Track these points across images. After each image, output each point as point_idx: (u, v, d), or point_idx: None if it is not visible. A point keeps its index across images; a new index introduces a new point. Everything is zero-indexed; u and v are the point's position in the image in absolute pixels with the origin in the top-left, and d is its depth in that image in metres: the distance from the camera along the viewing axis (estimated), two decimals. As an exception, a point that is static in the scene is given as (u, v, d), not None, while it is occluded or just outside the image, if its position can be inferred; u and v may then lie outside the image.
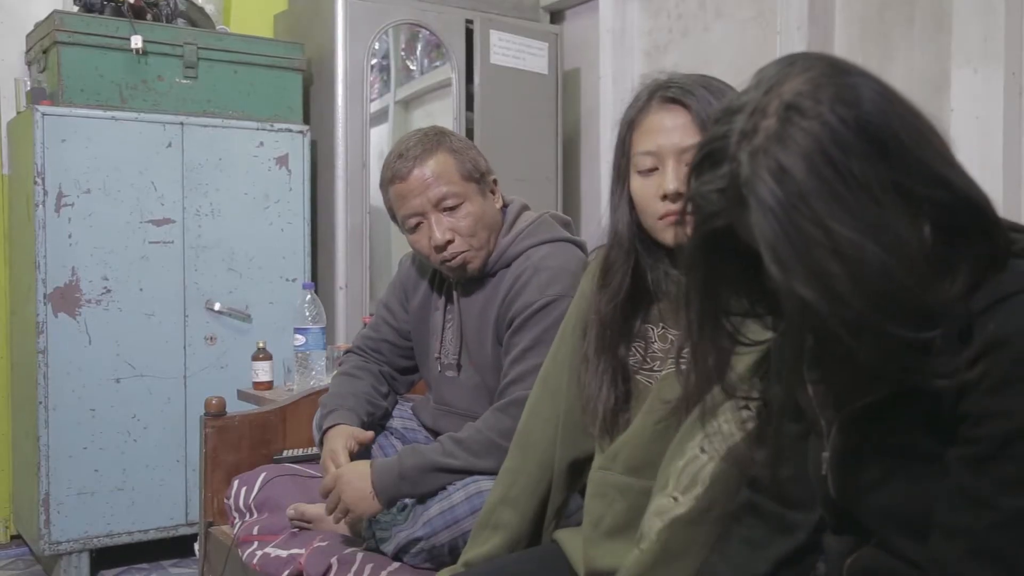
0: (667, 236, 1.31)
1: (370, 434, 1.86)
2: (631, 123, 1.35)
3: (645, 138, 1.33)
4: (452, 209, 1.77)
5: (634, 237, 1.36)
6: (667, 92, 1.32)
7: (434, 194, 1.76)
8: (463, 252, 1.78)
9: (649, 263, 1.37)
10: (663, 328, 1.38)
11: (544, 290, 1.72)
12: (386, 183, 1.83)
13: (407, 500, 1.71)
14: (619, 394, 1.39)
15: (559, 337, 1.53)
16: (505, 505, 1.51)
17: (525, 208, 1.90)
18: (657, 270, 1.37)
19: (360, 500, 1.71)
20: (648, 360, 1.39)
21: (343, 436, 1.80)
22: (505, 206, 1.89)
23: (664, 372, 1.35)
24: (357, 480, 1.71)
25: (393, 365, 2.04)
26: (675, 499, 1.18)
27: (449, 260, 1.79)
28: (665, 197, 1.29)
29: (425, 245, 1.80)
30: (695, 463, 1.17)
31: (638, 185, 1.33)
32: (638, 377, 1.40)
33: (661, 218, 1.30)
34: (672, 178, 1.29)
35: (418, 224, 1.79)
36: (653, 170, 1.31)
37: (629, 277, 1.37)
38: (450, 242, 1.77)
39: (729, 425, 1.15)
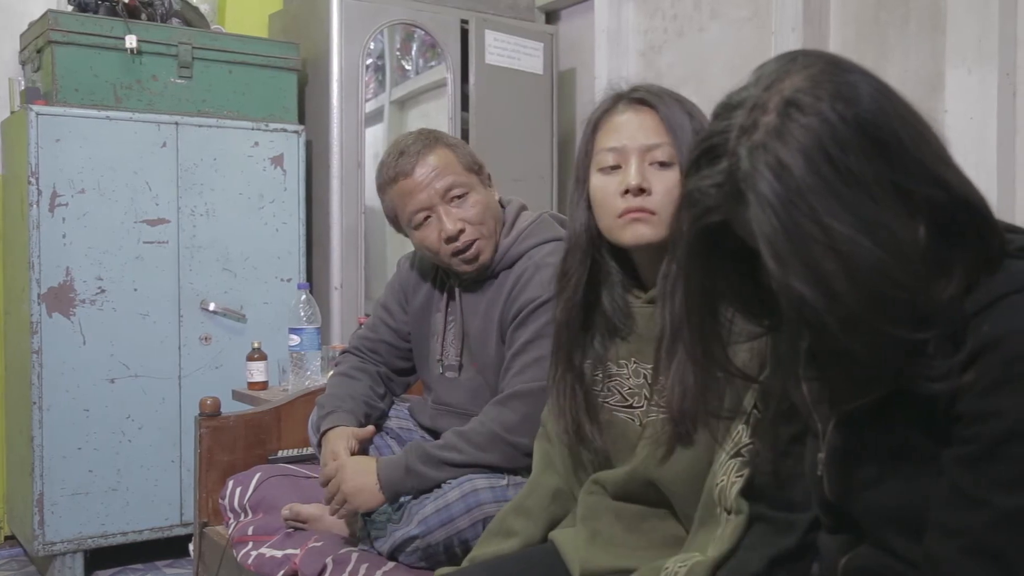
0: (625, 235, 1.31)
1: (371, 429, 1.87)
2: (596, 123, 1.37)
3: (609, 136, 1.34)
4: (460, 198, 1.78)
5: (591, 241, 1.37)
6: (634, 95, 1.36)
7: (441, 185, 1.77)
8: (475, 240, 1.78)
9: (603, 275, 1.38)
10: (635, 363, 1.39)
11: (547, 286, 1.72)
12: (387, 183, 1.83)
13: (403, 498, 1.71)
14: (579, 399, 1.41)
15: None
16: (518, 514, 1.52)
17: (524, 208, 1.91)
18: (611, 286, 1.38)
19: (360, 491, 1.70)
20: (627, 397, 1.40)
21: (344, 437, 1.80)
22: (503, 206, 1.89)
23: (645, 408, 1.37)
24: (360, 473, 1.71)
25: (390, 366, 2.03)
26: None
27: (462, 251, 1.79)
28: (627, 192, 1.30)
29: (435, 239, 1.79)
30: (721, 525, 1.20)
31: (599, 183, 1.34)
32: (619, 415, 1.41)
33: (621, 215, 1.31)
34: (635, 173, 1.29)
35: (426, 218, 1.79)
36: (616, 168, 1.32)
37: (584, 283, 1.38)
38: (461, 231, 1.77)
39: (728, 476, 1.18)
